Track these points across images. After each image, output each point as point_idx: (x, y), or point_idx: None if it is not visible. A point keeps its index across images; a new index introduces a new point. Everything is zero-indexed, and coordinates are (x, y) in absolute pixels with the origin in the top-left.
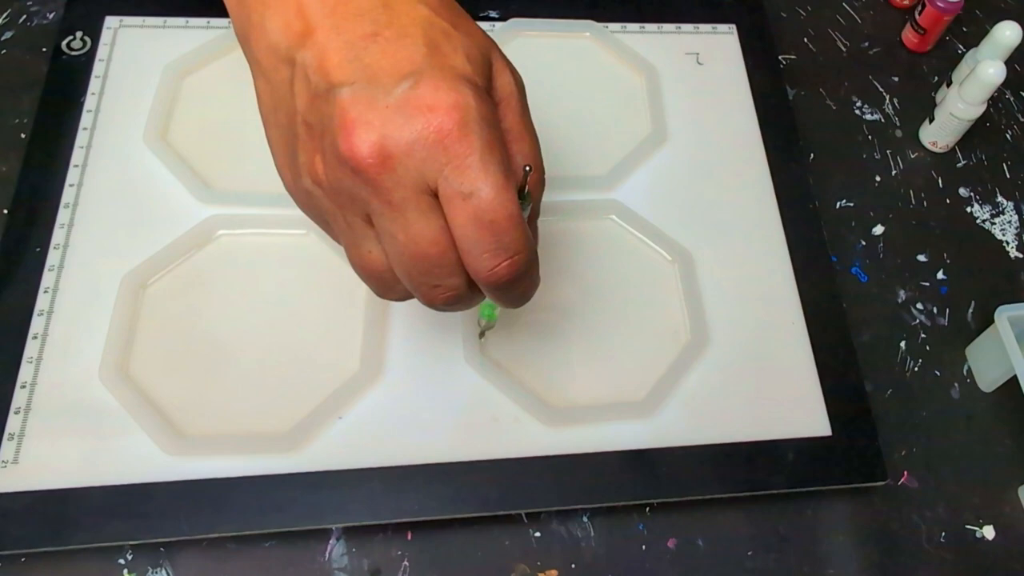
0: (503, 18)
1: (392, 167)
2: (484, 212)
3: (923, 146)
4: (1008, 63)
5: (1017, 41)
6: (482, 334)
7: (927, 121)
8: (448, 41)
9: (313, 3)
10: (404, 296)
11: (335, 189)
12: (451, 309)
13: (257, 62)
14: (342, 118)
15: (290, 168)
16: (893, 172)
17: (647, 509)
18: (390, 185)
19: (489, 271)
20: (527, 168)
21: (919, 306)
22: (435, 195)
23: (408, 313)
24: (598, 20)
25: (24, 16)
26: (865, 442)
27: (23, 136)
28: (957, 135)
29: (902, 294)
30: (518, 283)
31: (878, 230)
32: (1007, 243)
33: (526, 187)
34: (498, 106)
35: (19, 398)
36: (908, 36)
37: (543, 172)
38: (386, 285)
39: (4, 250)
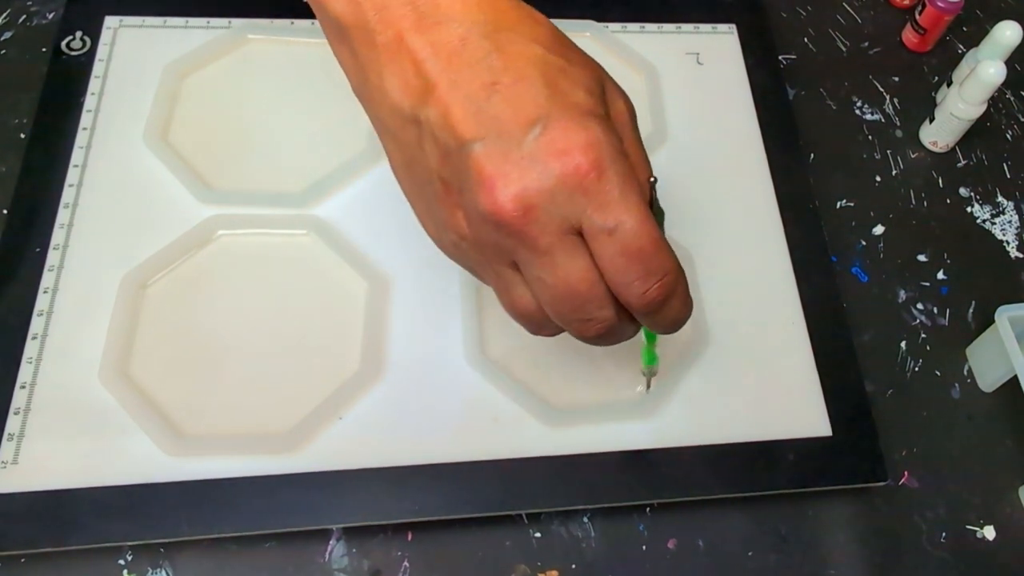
0: None
1: (536, 217)
2: (630, 243)
3: (923, 146)
4: (1008, 63)
5: (1017, 41)
6: (648, 384)
7: (927, 121)
8: (566, 78)
9: (429, 57)
10: (556, 332)
11: (479, 243)
12: (604, 342)
13: (381, 121)
14: (479, 175)
15: (432, 222)
16: (893, 172)
17: (647, 509)
18: (536, 234)
19: (641, 296)
20: (653, 180)
21: (919, 306)
22: (578, 233)
23: (408, 313)
24: (598, 20)
25: (24, 16)
26: (865, 442)
27: (23, 136)
28: (957, 135)
29: (902, 294)
30: (670, 302)
31: (878, 230)
32: (1007, 243)
33: (656, 201)
34: None
35: (19, 398)
36: (908, 36)
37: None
38: (538, 324)
39: (4, 250)
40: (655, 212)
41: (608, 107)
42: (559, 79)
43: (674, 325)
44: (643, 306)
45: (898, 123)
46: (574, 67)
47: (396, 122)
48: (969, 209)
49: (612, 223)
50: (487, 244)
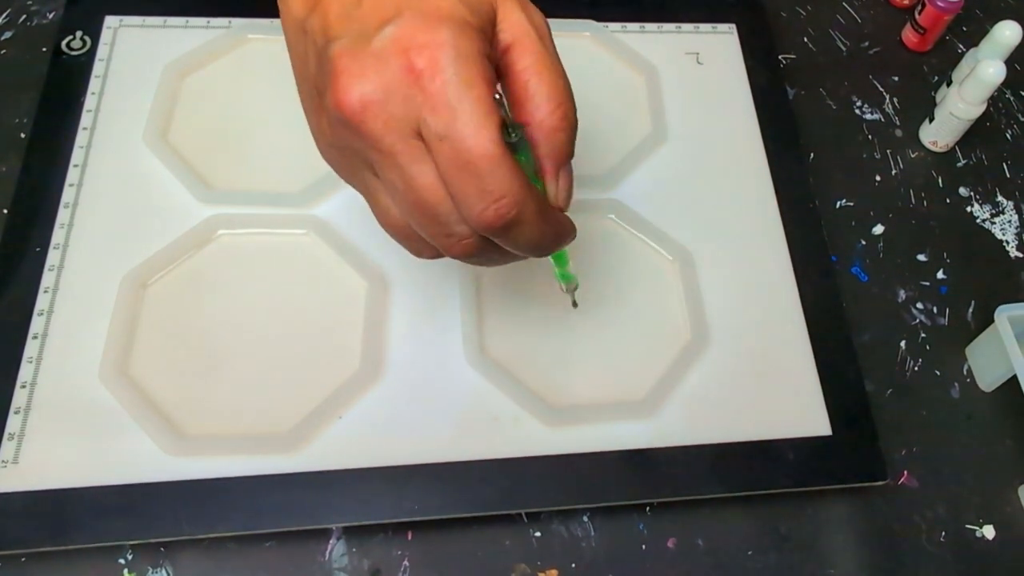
0: None
1: (375, 114)
2: (460, 153)
3: (923, 146)
4: (1008, 63)
5: (1017, 41)
6: (574, 303)
7: (927, 121)
8: None
9: None
10: (436, 254)
11: (340, 146)
12: (479, 263)
13: (286, 38)
14: (333, 72)
15: (317, 133)
16: (893, 172)
17: (647, 509)
18: (378, 133)
19: (478, 215)
20: (498, 96)
21: (919, 306)
22: (422, 138)
23: (408, 313)
24: (598, 20)
25: (24, 16)
26: (865, 442)
27: (23, 136)
28: (957, 135)
29: (902, 294)
30: (513, 229)
31: (878, 230)
32: (1007, 243)
33: (511, 123)
34: (511, 48)
35: (19, 398)
36: (908, 36)
37: (573, 109)
38: (412, 241)
39: (4, 250)
40: (509, 133)
41: (500, 21)
42: None
43: (532, 251)
44: (481, 227)
45: (898, 123)
46: None
47: (293, 34)
48: (969, 209)
49: (443, 129)
50: (345, 147)
